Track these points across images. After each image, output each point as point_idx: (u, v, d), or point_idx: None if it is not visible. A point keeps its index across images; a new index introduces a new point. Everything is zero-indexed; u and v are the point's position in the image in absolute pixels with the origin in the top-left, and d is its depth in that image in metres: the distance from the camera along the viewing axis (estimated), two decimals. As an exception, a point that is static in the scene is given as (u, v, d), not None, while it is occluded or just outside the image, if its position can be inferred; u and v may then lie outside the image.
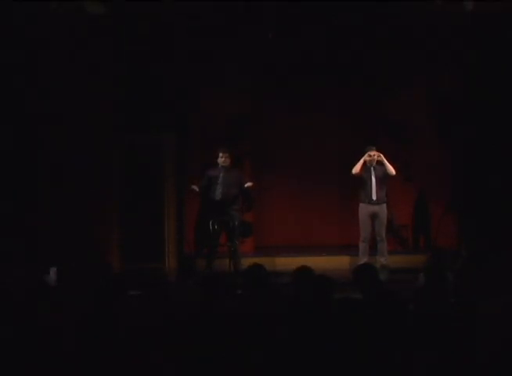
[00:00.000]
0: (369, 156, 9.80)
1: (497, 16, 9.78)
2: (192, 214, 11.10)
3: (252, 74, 11.18)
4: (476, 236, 10.28)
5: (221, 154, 9.89)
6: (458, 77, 10.93)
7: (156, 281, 8.54)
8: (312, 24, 10.45)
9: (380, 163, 9.82)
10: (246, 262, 8.21)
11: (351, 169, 9.76)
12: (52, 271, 8.02)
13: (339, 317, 4.53)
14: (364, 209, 9.87)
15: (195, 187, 9.85)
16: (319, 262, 9.47)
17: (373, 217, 9.84)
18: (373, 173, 9.85)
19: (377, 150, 9.79)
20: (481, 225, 10.39)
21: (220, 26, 10.39)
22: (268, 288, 5.34)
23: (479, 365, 4.23)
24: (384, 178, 9.80)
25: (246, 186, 9.87)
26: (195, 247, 11.14)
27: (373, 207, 9.82)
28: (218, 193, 9.82)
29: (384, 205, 9.85)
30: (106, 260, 9.08)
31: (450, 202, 11.08)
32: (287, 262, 9.77)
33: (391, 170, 9.76)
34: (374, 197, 9.81)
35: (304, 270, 5.38)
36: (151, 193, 10.51)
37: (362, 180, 9.85)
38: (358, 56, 10.88)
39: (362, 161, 9.76)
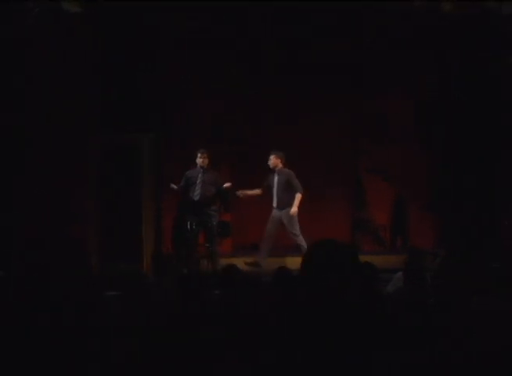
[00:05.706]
0: (269, 160, 9.78)
1: (476, 16, 9.84)
2: (170, 214, 11.08)
3: (238, 73, 11.13)
4: (454, 236, 10.33)
5: (199, 155, 9.90)
6: (437, 78, 10.98)
7: (134, 282, 8.50)
8: (301, 24, 10.45)
9: (281, 169, 9.77)
10: (225, 262, 8.21)
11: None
12: None
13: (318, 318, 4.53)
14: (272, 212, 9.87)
15: (174, 186, 9.87)
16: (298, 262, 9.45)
17: (280, 222, 9.76)
18: (275, 179, 9.80)
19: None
20: (458, 225, 10.44)
21: (203, 24, 10.37)
22: (244, 288, 5.33)
23: (457, 365, 4.25)
24: (285, 184, 9.71)
25: (224, 186, 9.88)
26: (173, 247, 11.11)
27: (275, 211, 9.79)
28: (197, 193, 9.83)
29: (286, 210, 9.75)
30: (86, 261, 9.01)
31: (428, 202, 11.14)
32: (267, 262, 9.77)
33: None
34: (275, 204, 9.77)
35: (283, 271, 5.38)
36: (129, 193, 10.47)
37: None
38: (343, 56, 10.87)
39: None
